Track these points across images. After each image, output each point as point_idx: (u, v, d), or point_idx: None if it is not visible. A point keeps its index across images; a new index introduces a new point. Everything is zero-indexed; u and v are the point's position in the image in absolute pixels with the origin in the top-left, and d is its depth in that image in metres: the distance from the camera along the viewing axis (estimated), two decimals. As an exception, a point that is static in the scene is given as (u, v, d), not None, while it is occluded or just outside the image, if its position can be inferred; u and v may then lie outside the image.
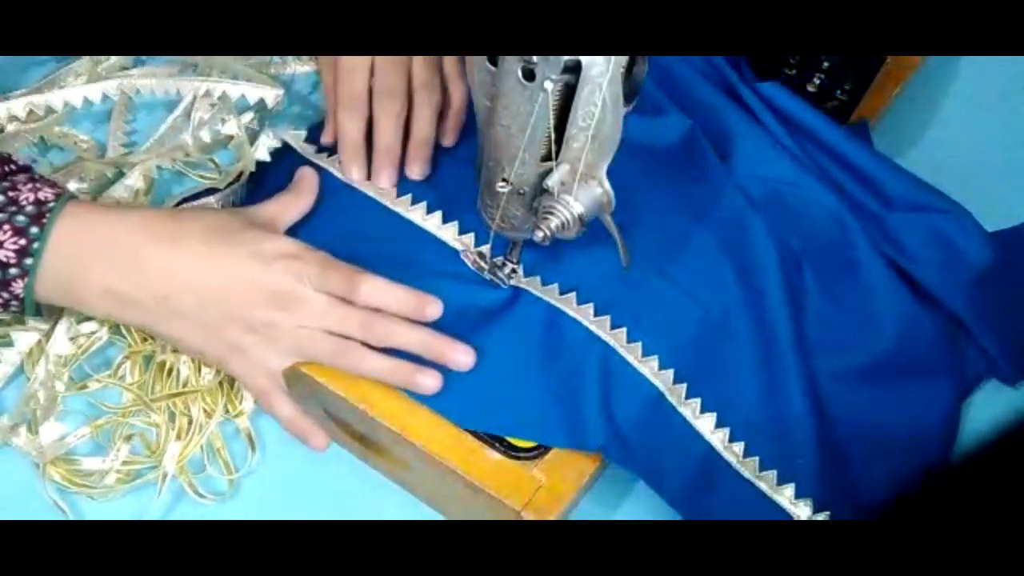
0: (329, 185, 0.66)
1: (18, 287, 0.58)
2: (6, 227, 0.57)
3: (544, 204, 0.53)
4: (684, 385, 0.62)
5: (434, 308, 0.59)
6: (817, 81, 0.75)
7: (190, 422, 0.65)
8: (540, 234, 0.54)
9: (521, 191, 0.54)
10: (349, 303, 0.59)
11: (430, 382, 0.58)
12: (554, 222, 0.53)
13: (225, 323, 0.59)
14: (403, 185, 0.67)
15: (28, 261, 0.57)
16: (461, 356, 0.59)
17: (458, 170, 0.66)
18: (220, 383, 0.66)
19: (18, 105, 0.72)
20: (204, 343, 0.60)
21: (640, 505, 0.65)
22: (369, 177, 0.66)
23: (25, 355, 0.66)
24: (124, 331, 0.67)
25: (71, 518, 0.62)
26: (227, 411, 0.66)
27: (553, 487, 0.58)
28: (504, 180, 0.54)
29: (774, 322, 0.65)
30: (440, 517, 0.65)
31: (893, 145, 0.76)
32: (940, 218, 0.70)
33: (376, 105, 0.66)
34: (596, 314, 0.62)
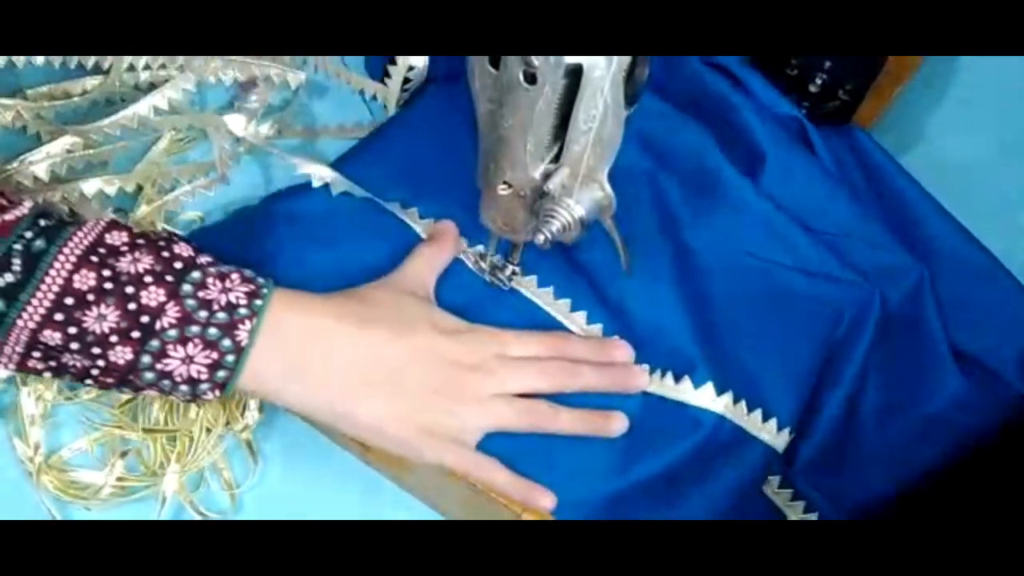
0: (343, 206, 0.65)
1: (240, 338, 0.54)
2: (216, 307, 0.53)
3: (545, 207, 0.53)
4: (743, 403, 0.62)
5: (624, 359, 0.61)
6: (819, 81, 0.75)
7: (191, 440, 0.64)
8: (541, 237, 0.54)
9: (522, 194, 0.54)
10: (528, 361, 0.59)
11: (620, 424, 0.59)
12: (555, 225, 0.53)
13: (421, 402, 0.57)
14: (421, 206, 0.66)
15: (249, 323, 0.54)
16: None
17: (462, 174, 0.66)
18: None
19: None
20: (400, 427, 0.57)
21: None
22: None
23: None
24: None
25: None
26: (228, 424, 0.65)
27: (553, 488, 0.58)
28: (505, 183, 0.54)
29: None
30: (440, 517, 0.65)
31: (893, 145, 0.76)
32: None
33: None
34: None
